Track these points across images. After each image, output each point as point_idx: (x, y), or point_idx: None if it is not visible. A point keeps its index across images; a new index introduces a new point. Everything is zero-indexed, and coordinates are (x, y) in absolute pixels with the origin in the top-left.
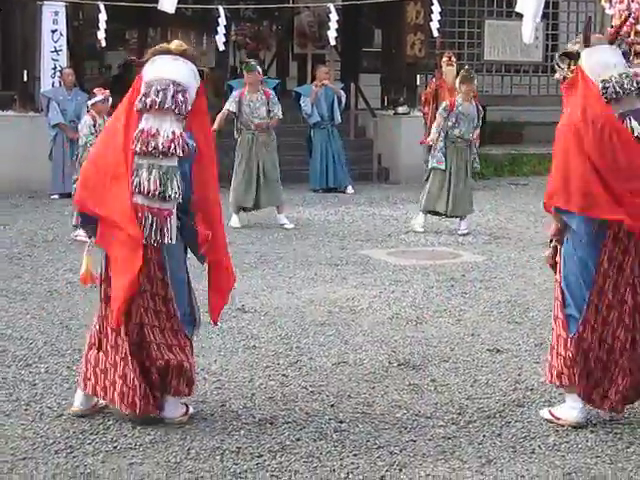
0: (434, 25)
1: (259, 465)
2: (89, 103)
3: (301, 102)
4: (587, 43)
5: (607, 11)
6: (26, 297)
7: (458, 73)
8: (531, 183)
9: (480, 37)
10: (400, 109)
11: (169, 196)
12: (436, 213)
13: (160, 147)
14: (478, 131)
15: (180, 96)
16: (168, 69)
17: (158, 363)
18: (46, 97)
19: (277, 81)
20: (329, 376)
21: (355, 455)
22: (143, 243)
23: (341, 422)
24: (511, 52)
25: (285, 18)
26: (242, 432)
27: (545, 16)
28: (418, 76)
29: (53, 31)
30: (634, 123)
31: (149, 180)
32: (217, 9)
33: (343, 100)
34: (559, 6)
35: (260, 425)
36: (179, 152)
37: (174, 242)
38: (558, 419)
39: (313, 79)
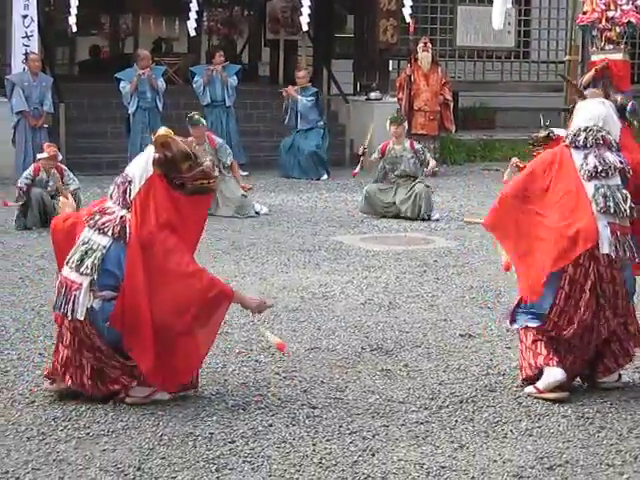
0: (406, 11)
1: (232, 451)
2: (38, 156)
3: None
4: (581, 95)
5: None
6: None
7: (433, 59)
8: (503, 169)
9: (453, 23)
10: (372, 95)
11: (83, 272)
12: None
13: (99, 223)
14: (432, 164)
15: (122, 187)
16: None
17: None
18: (11, 82)
19: (238, 67)
20: (302, 362)
21: (328, 440)
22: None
23: (314, 408)
24: (484, 38)
25: (257, 4)
26: (215, 418)
27: (517, 2)
28: (390, 62)
29: (24, 16)
30: (590, 159)
31: (75, 252)
32: None
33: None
34: None
35: (233, 411)
36: (109, 232)
37: (80, 317)
38: (541, 391)
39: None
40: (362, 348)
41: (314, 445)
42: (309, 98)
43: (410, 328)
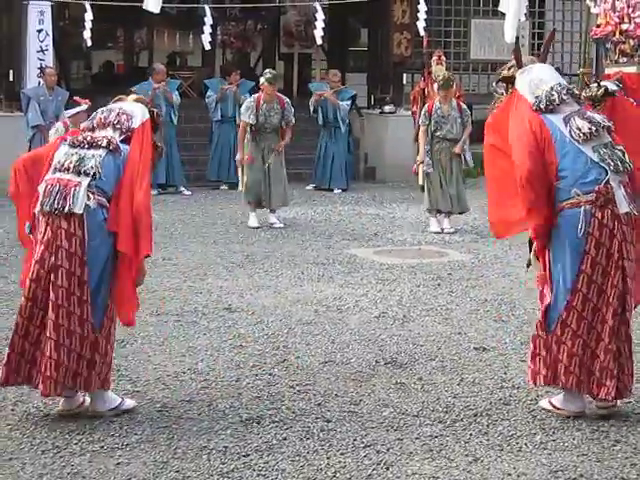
0: (420, 24)
1: (246, 464)
2: (68, 114)
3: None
4: (519, 65)
5: (592, 10)
6: (12, 297)
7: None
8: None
9: (466, 36)
10: (387, 108)
11: (84, 171)
12: (439, 211)
13: (88, 139)
14: (468, 130)
15: (123, 116)
16: (117, 104)
17: (51, 343)
18: (26, 96)
19: (252, 84)
20: (316, 375)
21: (342, 454)
22: (59, 215)
23: (328, 421)
24: (497, 51)
25: (271, 17)
26: (229, 431)
27: (531, 15)
28: (404, 75)
29: (39, 31)
30: (578, 121)
31: (67, 160)
32: (203, 8)
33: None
34: (545, 4)
35: (247, 424)
36: (104, 143)
37: (78, 211)
38: (558, 409)
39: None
40: (376, 361)
41: (328, 459)
42: (348, 102)
43: (424, 341)
